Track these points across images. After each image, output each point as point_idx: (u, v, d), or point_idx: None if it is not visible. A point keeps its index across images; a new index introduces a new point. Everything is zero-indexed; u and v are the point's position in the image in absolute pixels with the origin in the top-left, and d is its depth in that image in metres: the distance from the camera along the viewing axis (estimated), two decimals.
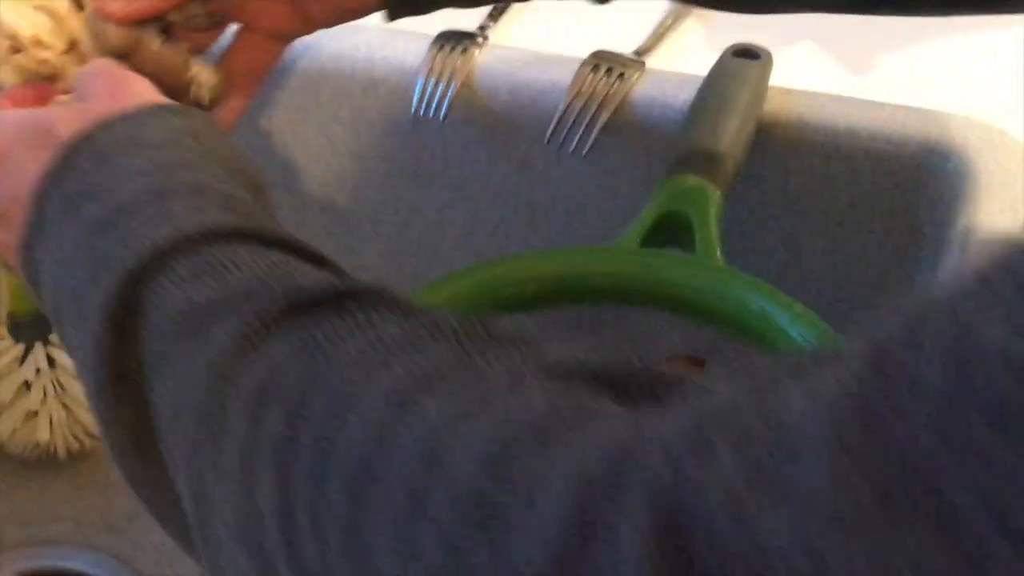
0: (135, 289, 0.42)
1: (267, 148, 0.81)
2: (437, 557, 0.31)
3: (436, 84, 0.76)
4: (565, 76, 0.75)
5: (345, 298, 0.39)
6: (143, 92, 0.51)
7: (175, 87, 0.56)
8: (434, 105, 0.76)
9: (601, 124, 0.73)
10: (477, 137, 0.77)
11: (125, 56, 0.56)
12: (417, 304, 0.39)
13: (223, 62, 0.62)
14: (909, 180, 0.72)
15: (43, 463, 0.82)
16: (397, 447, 0.33)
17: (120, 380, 0.41)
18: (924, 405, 0.24)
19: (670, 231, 0.65)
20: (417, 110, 0.76)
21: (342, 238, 0.83)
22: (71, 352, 0.46)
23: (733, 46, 0.74)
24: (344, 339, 0.37)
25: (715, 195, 0.66)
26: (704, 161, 0.67)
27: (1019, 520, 0.23)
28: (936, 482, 0.24)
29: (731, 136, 0.68)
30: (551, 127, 0.74)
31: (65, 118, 0.49)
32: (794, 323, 0.59)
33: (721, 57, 0.73)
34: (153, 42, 0.56)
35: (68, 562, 0.77)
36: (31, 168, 0.48)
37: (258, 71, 0.63)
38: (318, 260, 0.44)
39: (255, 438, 0.36)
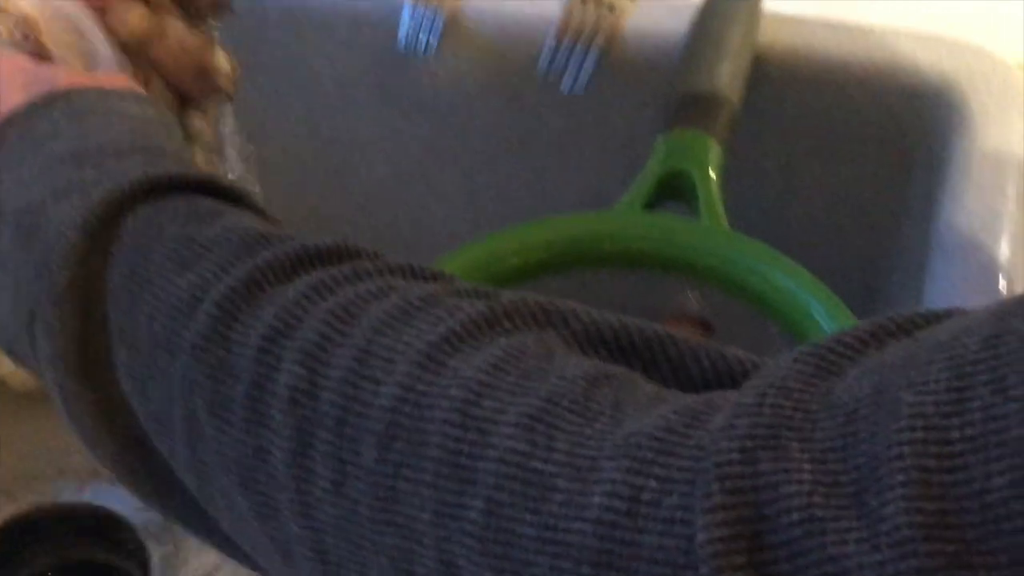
0: (117, 213, 0.41)
1: (249, 85, 0.79)
2: (481, 520, 0.31)
3: (422, 17, 0.74)
4: (554, 7, 0.73)
5: (355, 256, 0.39)
6: (132, 83, 0.51)
7: (196, 73, 0.55)
8: (421, 39, 0.74)
9: (593, 60, 0.72)
10: (466, 71, 0.76)
11: (147, 44, 0.54)
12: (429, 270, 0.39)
13: None
14: (902, 108, 0.72)
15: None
16: (431, 407, 0.33)
17: (76, 291, 0.41)
18: (1005, 450, 0.24)
19: (671, 187, 0.65)
20: (405, 44, 0.75)
21: (330, 169, 0.83)
22: None
23: None
24: (362, 296, 0.36)
25: (716, 150, 0.65)
26: (702, 111, 0.66)
27: None
28: (1012, 530, 0.24)
29: (727, 82, 0.67)
30: (543, 65, 0.73)
31: (63, 75, 0.48)
32: (811, 297, 0.59)
33: None
34: (177, 26, 0.55)
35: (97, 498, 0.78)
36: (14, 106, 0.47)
37: None
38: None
39: (265, 378, 0.36)
